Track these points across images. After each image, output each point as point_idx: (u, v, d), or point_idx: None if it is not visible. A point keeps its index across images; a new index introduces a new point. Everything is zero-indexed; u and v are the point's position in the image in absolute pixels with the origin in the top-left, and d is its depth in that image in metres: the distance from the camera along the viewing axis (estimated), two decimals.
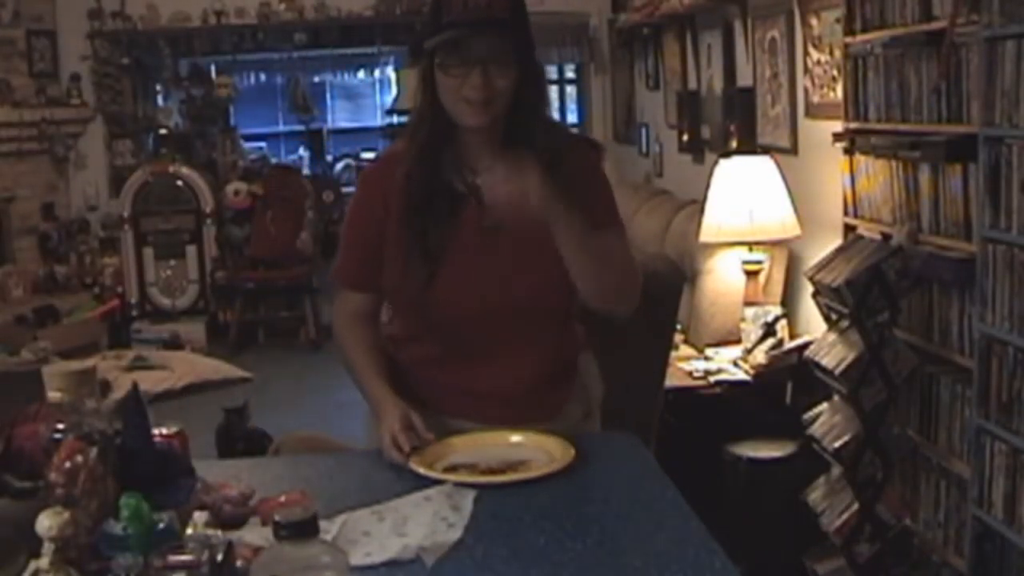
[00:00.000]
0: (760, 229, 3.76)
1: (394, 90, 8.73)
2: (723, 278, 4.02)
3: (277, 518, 1.10)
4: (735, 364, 3.71)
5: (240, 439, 3.92)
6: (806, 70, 3.87)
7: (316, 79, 9.14)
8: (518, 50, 1.85)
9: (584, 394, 2.07)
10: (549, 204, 1.76)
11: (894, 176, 3.01)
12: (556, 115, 8.12)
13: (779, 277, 3.94)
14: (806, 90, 3.89)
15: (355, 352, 2.01)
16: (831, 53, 3.60)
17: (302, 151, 9.11)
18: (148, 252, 7.60)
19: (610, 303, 1.93)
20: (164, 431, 1.59)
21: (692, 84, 5.47)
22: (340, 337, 2.05)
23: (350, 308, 2.05)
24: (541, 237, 1.82)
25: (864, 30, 3.16)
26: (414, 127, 1.93)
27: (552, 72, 7.95)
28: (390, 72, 9.33)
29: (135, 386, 1.57)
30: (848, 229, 3.34)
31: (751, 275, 3.82)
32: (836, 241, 3.35)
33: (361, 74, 9.49)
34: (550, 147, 1.84)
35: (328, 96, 9.90)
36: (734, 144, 4.60)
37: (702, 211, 3.95)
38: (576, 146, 2.00)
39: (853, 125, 3.26)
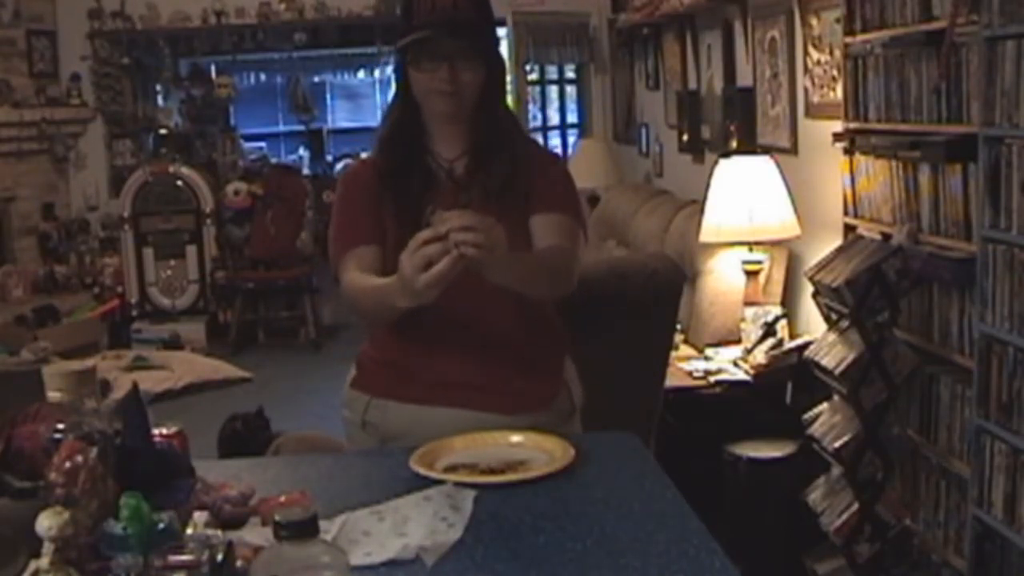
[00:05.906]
0: (760, 229, 3.76)
1: (394, 90, 8.72)
2: (723, 278, 4.02)
3: (277, 518, 1.10)
4: (735, 364, 3.71)
5: (254, 444, 3.81)
6: (806, 70, 3.87)
7: (316, 79, 9.15)
8: (483, 47, 1.99)
9: (569, 393, 2.11)
10: (490, 264, 1.73)
11: (894, 176, 3.01)
12: (556, 115, 8.14)
13: (779, 277, 3.94)
14: (806, 90, 3.89)
15: (365, 281, 1.93)
16: (831, 53, 3.60)
17: (302, 151, 9.11)
18: (148, 252, 7.61)
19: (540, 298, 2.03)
20: (164, 431, 1.59)
21: (692, 84, 5.47)
22: (353, 289, 1.95)
23: (359, 265, 1.97)
24: (510, 220, 1.88)
25: (864, 30, 3.16)
26: (389, 112, 2.09)
27: (552, 72, 7.95)
28: (390, 72, 9.32)
29: (135, 386, 1.56)
30: (848, 229, 3.34)
31: (751, 275, 3.82)
32: (836, 241, 3.35)
33: (361, 74, 9.49)
34: (514, 151, 2.00)
35: (328, 96, 9.90)
36: (734, 144, 4.60)
37: (702, 211, 3.95)
38: (543, 159, 2.13)
39: (853, 125, 3.26)
